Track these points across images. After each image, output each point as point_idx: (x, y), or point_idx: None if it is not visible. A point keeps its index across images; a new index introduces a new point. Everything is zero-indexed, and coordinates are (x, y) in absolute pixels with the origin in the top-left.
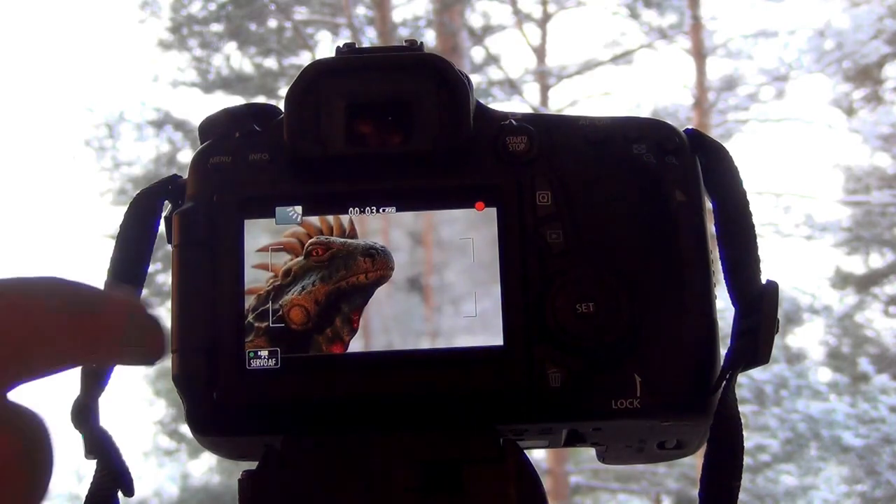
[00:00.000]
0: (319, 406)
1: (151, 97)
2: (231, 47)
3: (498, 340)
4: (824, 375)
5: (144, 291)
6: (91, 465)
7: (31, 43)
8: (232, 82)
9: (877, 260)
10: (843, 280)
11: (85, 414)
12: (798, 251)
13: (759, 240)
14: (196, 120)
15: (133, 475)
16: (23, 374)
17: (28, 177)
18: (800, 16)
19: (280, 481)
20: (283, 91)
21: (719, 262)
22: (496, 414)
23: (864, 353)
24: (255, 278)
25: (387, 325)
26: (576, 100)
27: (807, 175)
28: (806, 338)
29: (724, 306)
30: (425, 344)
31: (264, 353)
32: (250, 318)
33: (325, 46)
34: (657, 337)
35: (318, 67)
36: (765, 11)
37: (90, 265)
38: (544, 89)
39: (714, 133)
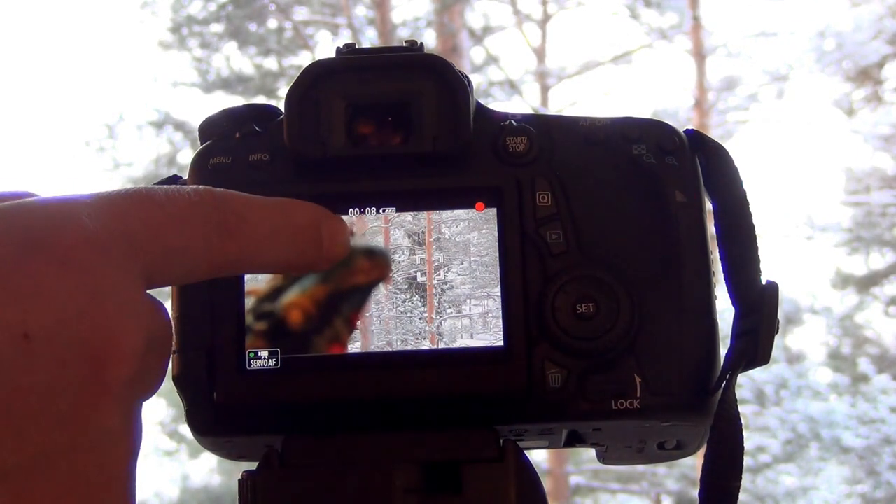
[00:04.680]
0: (319, 406)
1: (151, 98)
2: (231, 47)
3: (498, 341)
4: (824, 376)
5: None
6: None
7: (32, 43)
8: (232, 83)
9: (877, 260)
10: (843, 280)
11: None
12: (798, 251)
13: (759, 240)
14: (196, 120)
15: None
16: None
17: (29, 177)
18: (800, 16)
19: (280, 481)
20: (283, 91)
21: (719, 262)
22: (496, 414)
23: (865, 353)
24: (255, 279)
25: (386, 326)
26: (576, 100)
27: (807, 175)
28: (806, 338)
29: (724, 306)
30: (425, 344)
31: (264, 353)
32: (250, 318)
33: (325, 47)
34: (657, 337)
35: (318, 68)
36: (765, 11)
37: None
38: (544, 90)
39: (714, 133)
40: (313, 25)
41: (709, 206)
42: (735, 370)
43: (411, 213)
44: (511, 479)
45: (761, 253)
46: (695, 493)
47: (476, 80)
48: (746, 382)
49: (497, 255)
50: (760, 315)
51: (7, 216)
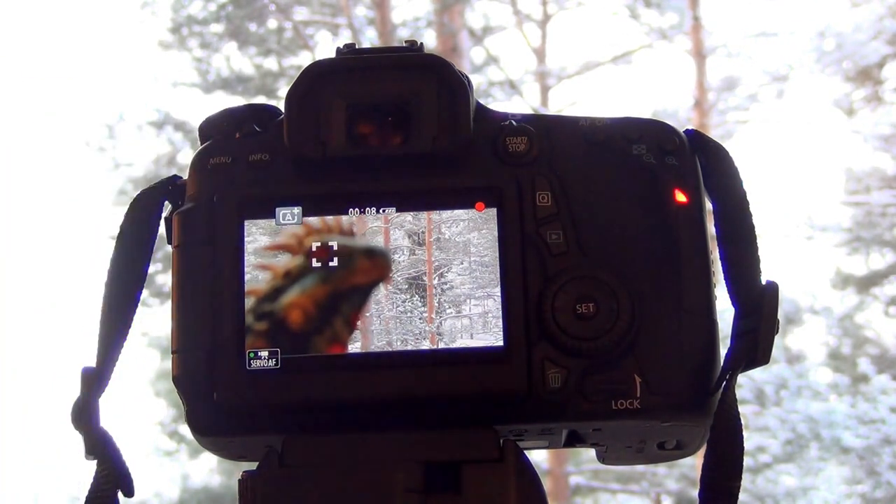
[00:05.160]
0: (319, 406)
1: (151, 98)
2: (231, 48)
3: (498, 341)
4: (824, 376)
5: (145, 292)
6: (91, 466)
7: (32, 43)
8: (232, 83)
9: (877, 260)
10: (843, 281)
11: (85, 415)
12: (798, 252)
13: (759, 240)
14: (196, 120)
15: (133, 476)
16: None
17: (29, 177)
18: (800, 16)
19: (280, 481)
20: (284, 91)
21: (719, 262)
22: (496, 414)
23: (865, 353)
24: (255, 279)
25: (386, 326)
26: (576, 100)
27: (807, 175)
28: (806, 338)
29: (724, 306)
30: (425, 345)
31: (264, 353)
32: (250, 318)
33: (325, 47)
34: (657, 337)
35: (319, 68)
36: (765, 12)
37: (90, 265)
38: (544, 90)
39: (714, 133)
40: (313, 25)
41: (709, 206)
42: (735, 370)
43: (411, 213)
44: (511, 479)
45: (761, 253)
46: (695, 493)
47: (476, 80)
48: (746, 382)
49: (497, 255)
50: (760, 315)
51: None
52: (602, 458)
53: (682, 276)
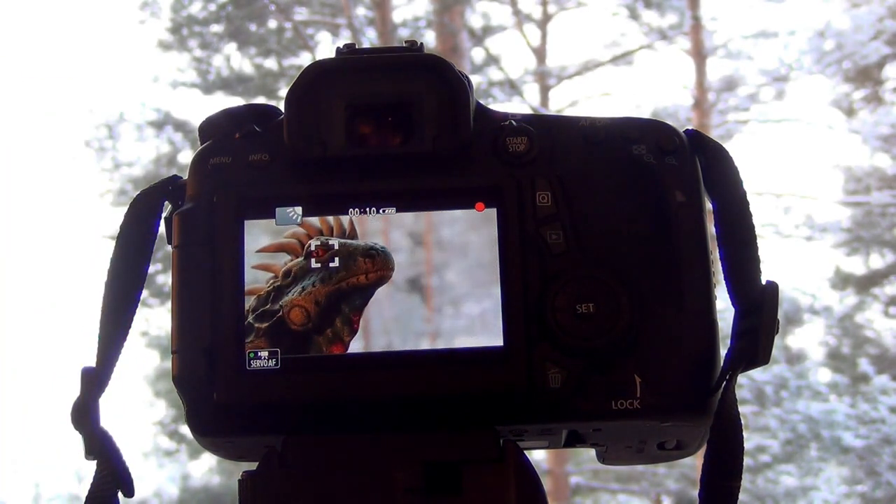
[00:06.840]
0: (319, 406)
1: (151, 98)
2: (231, 48)
3: (498, 341)
4: (824, 376)
5: (145, 292)
6: (91, 466)
7: (32, 43)
8: (232, 83)
9: (877, 260)
10: (843, 281)
11: (85, 415)
12: (798, 252)
13: (758, 240)
14: (196, 121)
15: (133, 476)
16: None
17: (28, 177)
18: (800, 16)
19: (280, 481)
20: (284, 92)
21: (719, 262)
22: (496, 415)
23: (865, 353)
24: (256, 279)
25: (387, 326)
26: (576, 100)
27: (807, 175)
28: (806, 338)
29: (724, 306)
30: (425, 344)
31: (264, 353)
32: (250, 318)
33: (325, 47)
34: (657, 337)
35: (319, 68)
36: (765, 12)
37: (90, 265)
38: (544, 90)
39: (714, 133)
40: (313, 25)
41: (709, 206)
42: (735, 370)
43: (411, 213)
44: (511, 479)
45: (761, 253)
46: (695, 493)
47: (476, 80)
48: (746, 382)
49: (497, 255)
50: (760, 315)
51: None
52: (602, 458)
53: (682, 276)
